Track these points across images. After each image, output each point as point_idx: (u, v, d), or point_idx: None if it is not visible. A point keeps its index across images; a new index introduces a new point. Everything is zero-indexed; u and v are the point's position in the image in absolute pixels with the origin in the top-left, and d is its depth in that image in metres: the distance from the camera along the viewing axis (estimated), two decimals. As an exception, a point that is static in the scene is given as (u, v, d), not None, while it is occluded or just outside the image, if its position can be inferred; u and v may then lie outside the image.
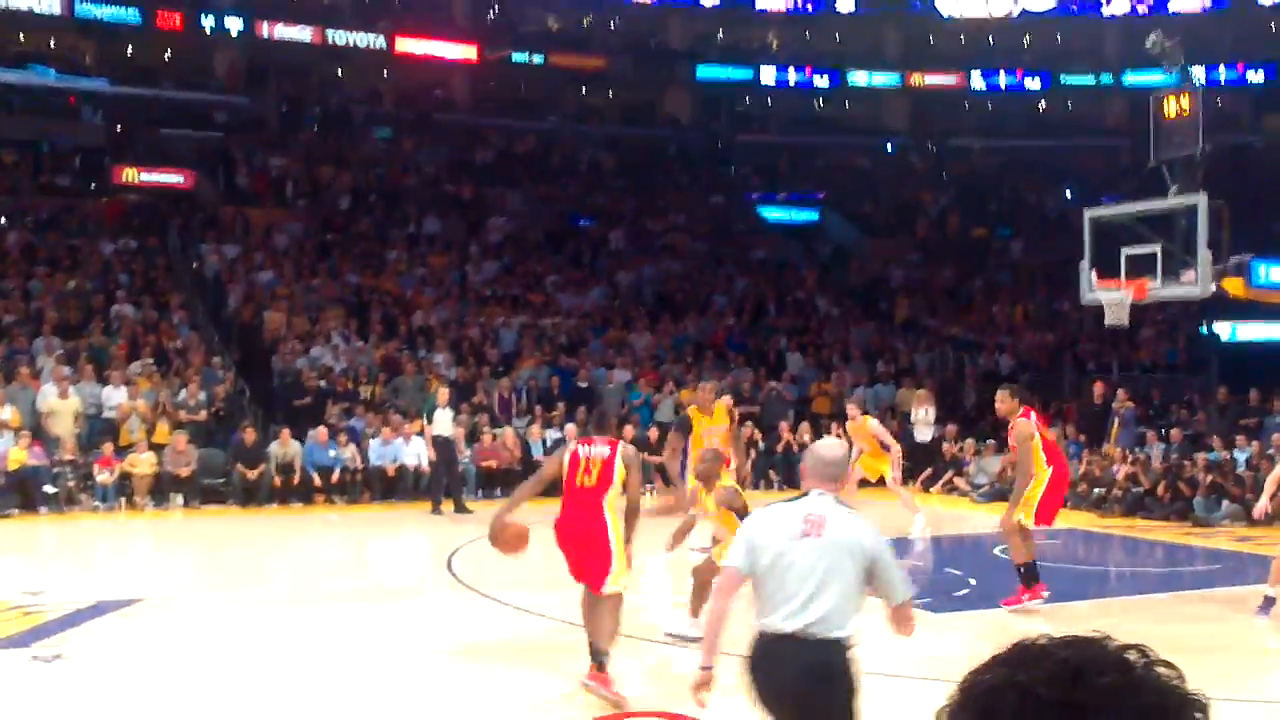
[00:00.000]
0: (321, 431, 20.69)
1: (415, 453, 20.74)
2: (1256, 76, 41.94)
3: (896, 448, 17.66)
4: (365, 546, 17.32)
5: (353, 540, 17.78)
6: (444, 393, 19.79)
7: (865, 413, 18.41)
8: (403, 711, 7.85)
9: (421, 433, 20.04)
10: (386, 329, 25.99)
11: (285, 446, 20.34)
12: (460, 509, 19.05)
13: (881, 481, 17.76)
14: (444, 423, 19.24)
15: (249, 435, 20.26)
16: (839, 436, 22.79)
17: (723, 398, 17.88)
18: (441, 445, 19.17)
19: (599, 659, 8.07)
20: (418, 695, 8.27)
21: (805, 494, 5.09)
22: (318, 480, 20.34)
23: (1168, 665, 1.37)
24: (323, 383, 22.93)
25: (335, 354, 24.19)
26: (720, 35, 46.50)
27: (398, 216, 32.95)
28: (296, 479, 20.23)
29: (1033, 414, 11.80)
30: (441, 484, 19.39)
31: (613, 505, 8.24)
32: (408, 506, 20.11)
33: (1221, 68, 39.92)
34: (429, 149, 38.44)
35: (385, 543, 17.80)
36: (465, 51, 41.57)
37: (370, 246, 30.73)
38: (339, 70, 42.21)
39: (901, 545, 15.35)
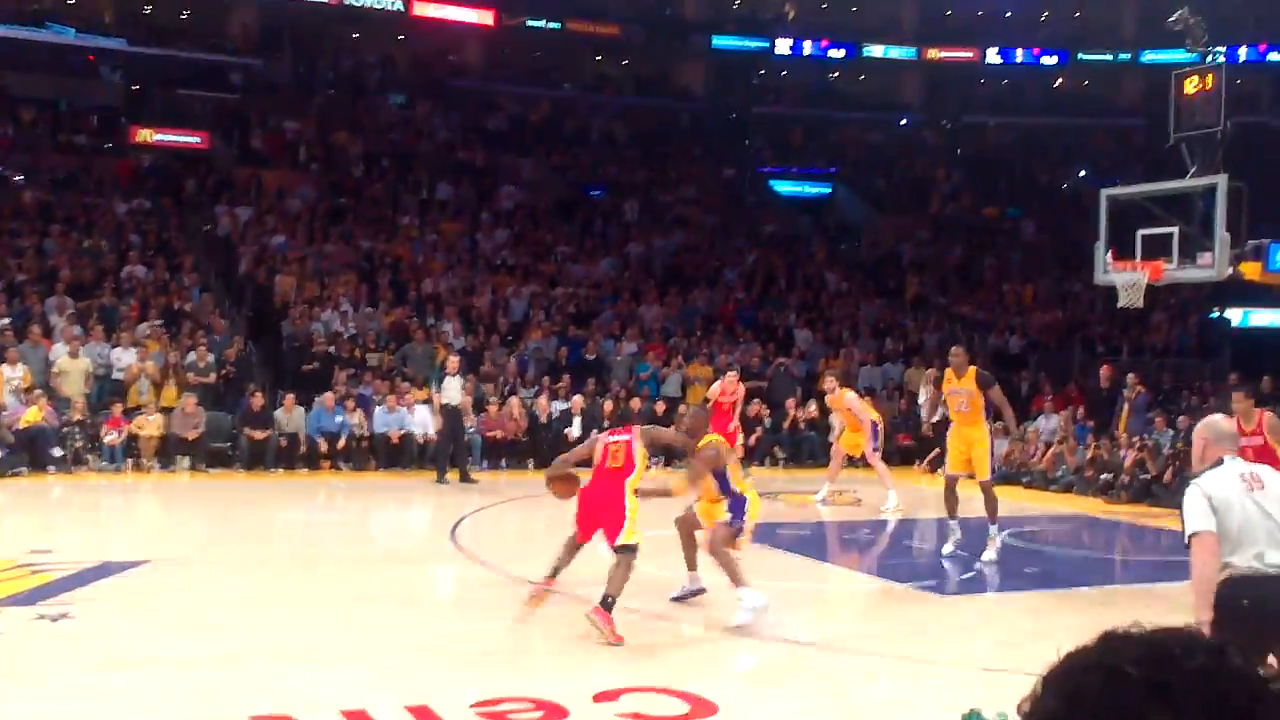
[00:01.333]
0: (328, 397, 20.66)
1: (421, 421, 20.72)
2: (1278, 56, 41.59)
3: (870, 419, 17.54)
4: (369, 514, 17.33)
5: (356, 507, 17.79)
6: (454, 361, 19.68)
7: (843, 386, 18.39)
8: (399, 675, 7.83)
9: (429, 401, 20.00)
10: (396, 295, 25.94)
11: (289, 413, 20.34)
12: (465, 479, 19.01)
13: (864, 458, 17.75)
14: (453, 391, 19.12)
15: (256, 400, 20.25)
16: (815, 413, 22.75)
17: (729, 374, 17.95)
18: (449, 414, 19.07)
19: (606, 601, 8.73)
20: (415, 660, 8.26)
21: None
22: (324, 446, 20.34)
23: (1260, 663, 1.35)
24: (331, 348, 22.90)
25: (344, 320, 24.16)
26: (736, 5, 46.23)
27: (410, 182, 32.86)
28: (303, 446, 20.23)
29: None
30: (447, 453, 19.30)
31: (632, 484, 9.11)
32: (413, 475, 20.09)
33: (1243, 47, 39.53)
34: (442, 115, 38.28)
35: (389, 510, 17.80)
36: (482, 16, 41.33)
37: (382, 212, 30.66)
38: (354, 34, 42.04)
39: (884, 525, 15.26)
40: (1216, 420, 6.11)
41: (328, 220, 29.51)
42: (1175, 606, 11.44)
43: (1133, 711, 1.29)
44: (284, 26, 39.56)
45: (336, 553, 13.11)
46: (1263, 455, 12.28)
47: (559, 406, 22.31)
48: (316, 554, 13.02)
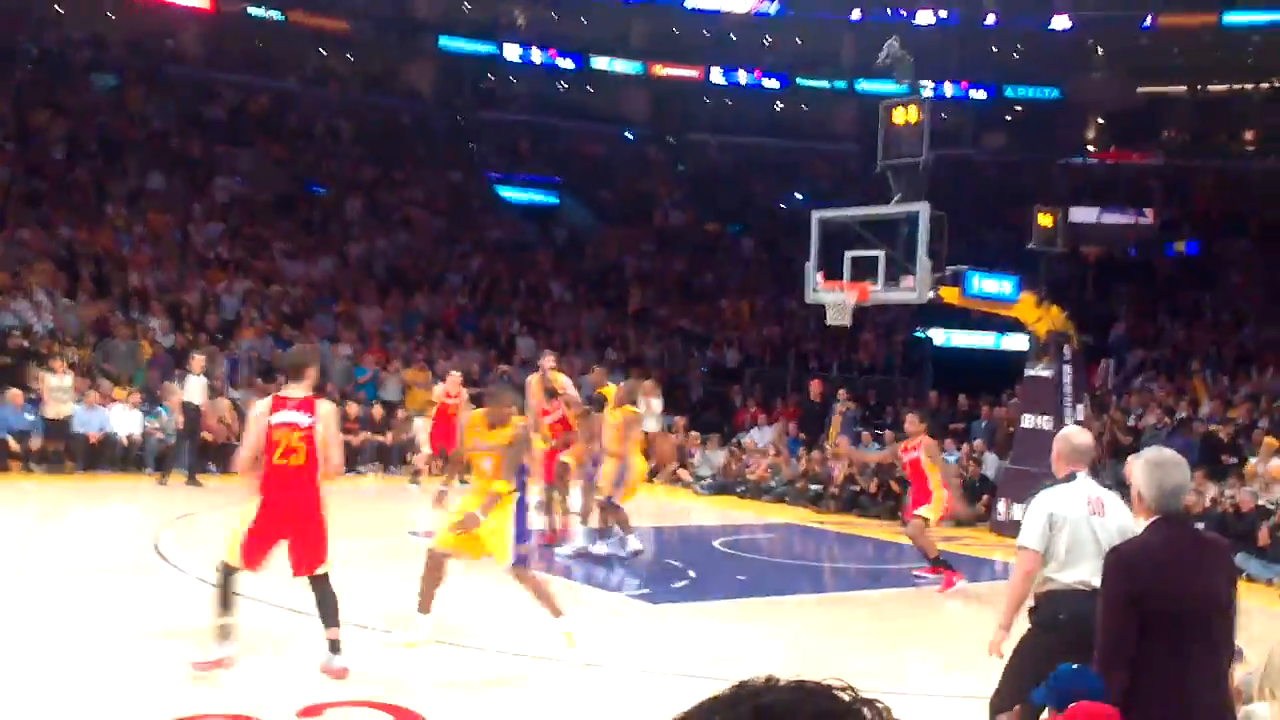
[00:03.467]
0: (16, 394, 19.38)
1: (123, 421, 19.75)
2: (979, 95, 44.34)
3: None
4: (68, 519, 16.29)
5: (53, 512, 16.68)
6: (198, 359, 19.52)
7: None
8: (94, 692, 7.38)
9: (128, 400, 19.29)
10: (99, 288, 24.54)
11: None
12: (192, 481, 18.69)
13: None
14: (195, 389, 19.05)
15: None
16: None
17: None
18: (190, 413, 18.96)
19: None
20: (112, 677, 7.81)
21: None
22: (14, 445, 19.07)
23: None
24: (25, 342, 21.47)
25: (40, 311, 22.68)
26: (466, 8, 45.94)
27: (118, 170, 31.13)
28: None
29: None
30: (183, 452, 19.04)
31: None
32: (114, 477, 19.10)
33: (948, 84, 41.95)
34: (157, 101, 36.47)
35: (89, 516, 16.78)
36: (199, 1, 39.68)
37: (85, 199, 28.93)
38: (58, 7, 39.61)
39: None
40: (1072, 434, 6.31)
41: (23, 205, 27.60)
42: (877, 614, 12.00)
43: None
44: (-22, -4, 36.87)
45: (28, 561, 12.27)
46: (915, 471, 13.59)
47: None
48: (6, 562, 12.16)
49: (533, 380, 15.63)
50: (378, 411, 22.39)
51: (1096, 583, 5.45)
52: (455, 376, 19.33)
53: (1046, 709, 4.50)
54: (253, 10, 40.64)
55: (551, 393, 14.68)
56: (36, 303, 22.89)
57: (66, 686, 7.65)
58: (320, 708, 7.34)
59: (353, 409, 22.01)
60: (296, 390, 8.05)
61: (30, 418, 19.33)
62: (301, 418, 7.89)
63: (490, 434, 9.09)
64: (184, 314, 24.65)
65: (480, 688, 8.20)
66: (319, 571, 8.02)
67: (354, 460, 21.46)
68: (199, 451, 19.56)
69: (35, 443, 19.19)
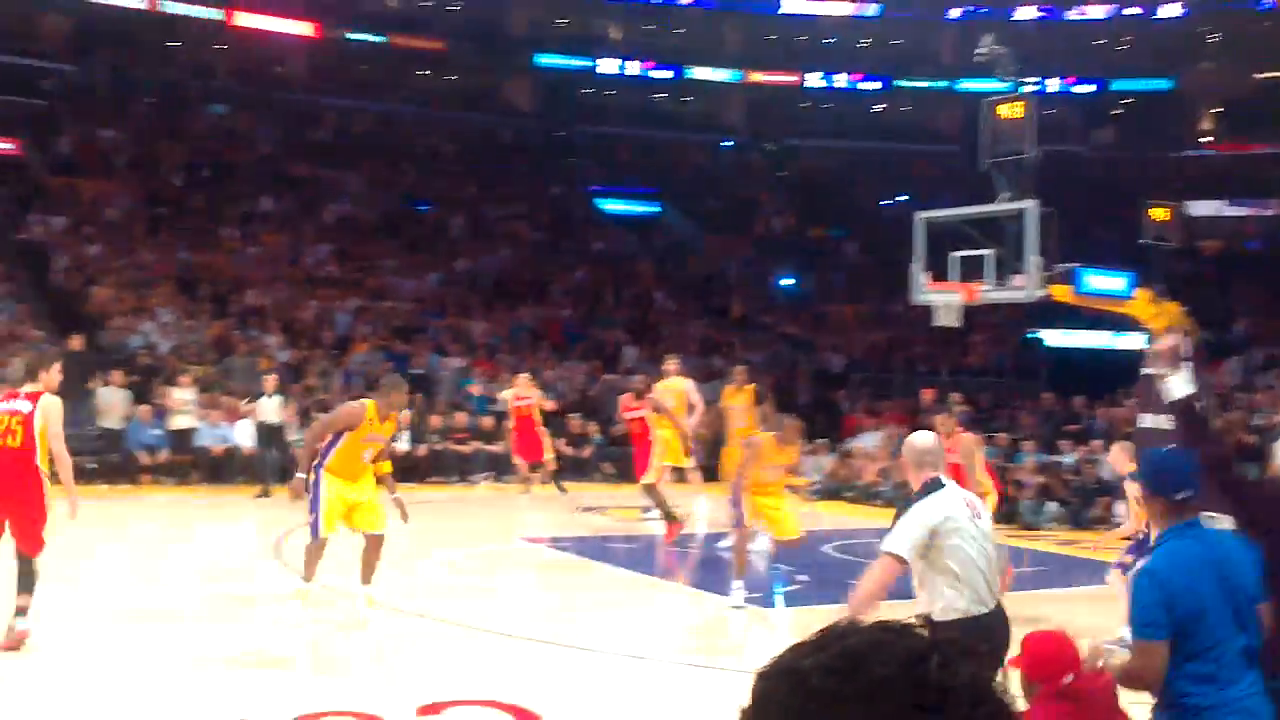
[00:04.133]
0: (145, 410, 20.01)
1: (246, 434, 20.30)
2: (1085, 89, 43.56)
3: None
4: (193, 529, 16.76)
5: (179, 521, 17.17)
6: (270, 380, 19.76)
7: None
8: (219, 689, 7.62)
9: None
10: (217, 308, 25.26)
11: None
12: (264, 494, 18.83)
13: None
14: (269, 410, 19.39)
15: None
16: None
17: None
18: (265, 431, 19.35)
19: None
20: (236, 675, 8.07)
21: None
22: (145, 459, 19.74)
23: (970, 659, 1.29)
24: (150, 361, 22.18)
25: (164, 331, 23.41)
26: (562, 23, 46.38)
27: (231, 193, 32.04)
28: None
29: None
30: (265, 467, 19.25)
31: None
32: (236, 489, 19.66)
33: (1052, 80, 41.24)
34: (265, 126, 37.45)
35: (213, 526, 17.25)
36: (303, 28, 40.62)
37: (202, 223, 29.84)
38: (173, 41, 40.85)
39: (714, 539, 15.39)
40: (914, 439, 5.87)
41: (146, 230, 28.57)
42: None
43: None
44: (99, 32, 38.21)
45: (157, 567, 12.68)
46: (955, 474, 13.05)
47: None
48: (140, 568, 12.58)
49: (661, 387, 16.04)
50: (487, 422, 22.65)
51: (986, 597, 5.29)
52: (523, 378, 19.49)
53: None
54: (354, 35, 41.46)
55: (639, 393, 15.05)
56: (160, 323, 23.64)
57: (195, 686, 7.90)
58: (439, 706, 7.49)
59: (462, 419, 22.35)
60: (29, 388, 8.82)
61: (158, 432, 19.95)
62: (23, 405, 8.70)
63: (780, 454, 11.37)
64: (299, 331, 25.23)
65: (596, 688, 8.28)
66: (33, 554, 8.69)
67: (466, 470, 21.79)
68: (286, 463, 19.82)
69: (163, 456, 19.78)
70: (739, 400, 17.16)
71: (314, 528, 9.81)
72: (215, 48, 41.15)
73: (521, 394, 19.17)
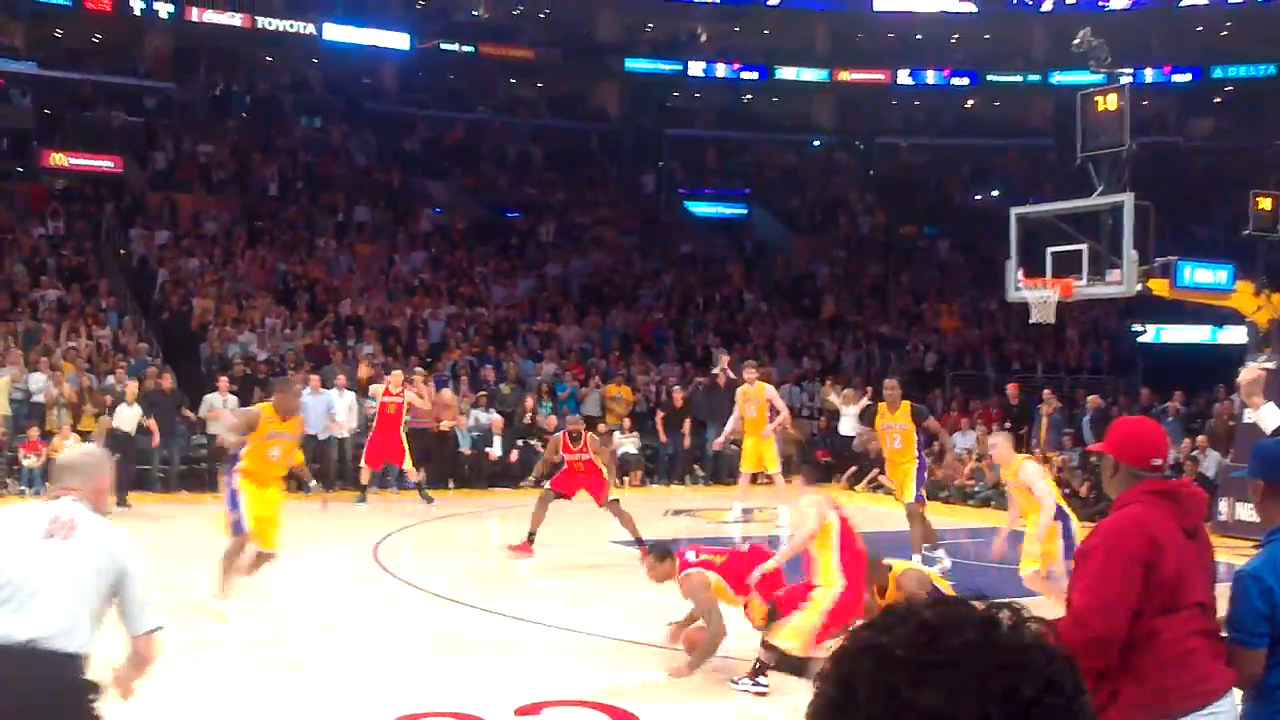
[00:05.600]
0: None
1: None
2: (1183, 78, 42.60)
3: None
4: (296, 532, 17.02)
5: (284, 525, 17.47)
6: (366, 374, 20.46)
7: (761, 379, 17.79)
8: (323, 691, 7.76)
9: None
10: (313, 317, 25.71)
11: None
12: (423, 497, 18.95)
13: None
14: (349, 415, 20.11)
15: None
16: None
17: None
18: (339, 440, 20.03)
19: None
20: (338, 676, 8.21)
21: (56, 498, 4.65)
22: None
23: (1040, 622, 1.35)
24: (248, 370, 22.62)
25: (262, 341, 23.89)
26: (649, 28, 46.50)
27: (326, 204, 32.63)
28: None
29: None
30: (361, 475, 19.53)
31: None
32: (337, 494, 19.99)
33: (1148, 69, 40.39)
34: (358, 137, 38.07)
35: (315, 528, 17.52)
36: (397, 40, 41.22)
37: (298, 234, 30.41)
38: (268, 57, 41.73)
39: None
40: (60, 457, 5.29)
41: (244, 243, 29.22)
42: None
43: (902, 694, 1.28)
44: (197, 50, 39.17)
45: (261, 572, 12.93)
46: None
47: (479, 414, 22.20)
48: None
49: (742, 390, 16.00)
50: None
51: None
52: (396, 376, 19.05)
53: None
54: (445, 45, 41.96)
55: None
56: (259, 332, 24.12)
57: (294, 689, 8.06)
58: (538, 706, 7.56)
59: (553, 423, 22.49)
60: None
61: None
62: None
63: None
64: (394, 339, 25.58)
65: (693, 691, 8.28)
66: None
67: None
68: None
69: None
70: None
71: (236, 525, 10.40)
72: (310, 62, 41.95)
73: (391, 391, 18.47)
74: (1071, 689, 1.31)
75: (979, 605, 1.37)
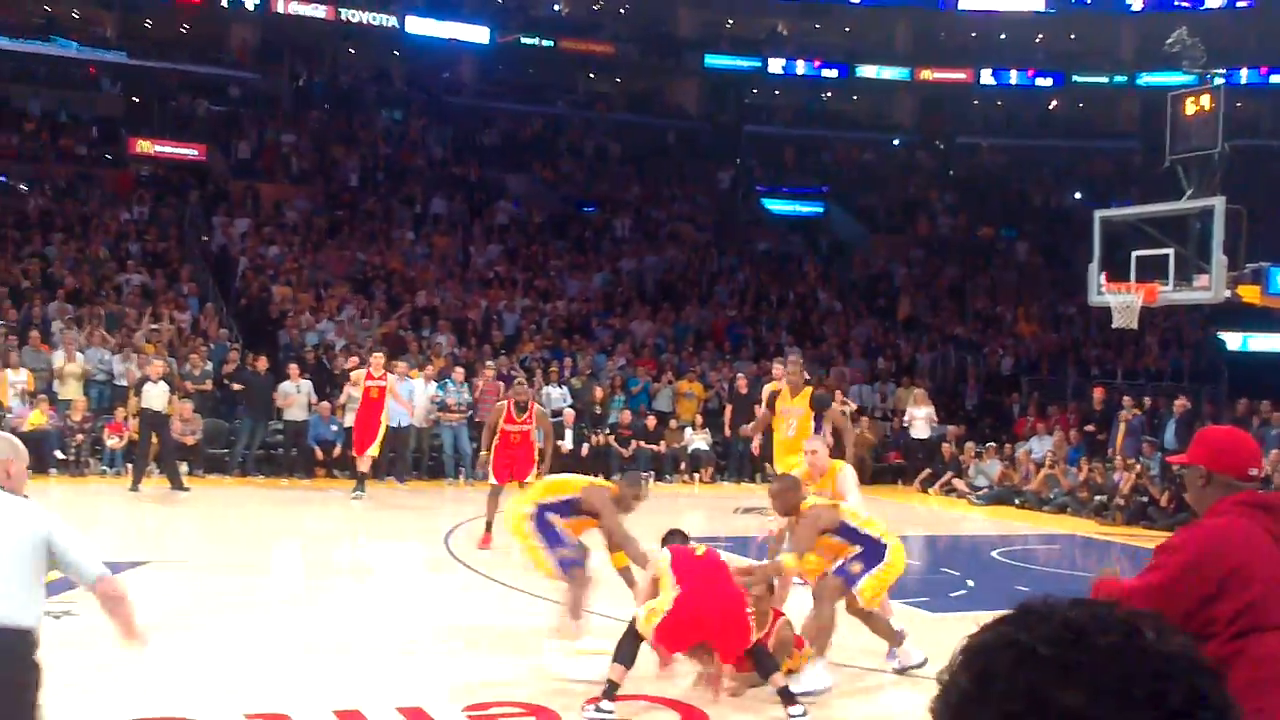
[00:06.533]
0: (324, 406, 20.61)
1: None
2: (1278, 79, 41.55)
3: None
4: (370, 521, 17.21)
5: (351, 513, 17.66)
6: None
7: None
8: (392, 677, 7.81)
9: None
10: (390, 307, 25.93)
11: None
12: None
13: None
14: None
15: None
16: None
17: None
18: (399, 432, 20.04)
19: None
20: (408, 663, 8.27)
21: None
22: (320, 455, 20.36)
23: (1180, 634, 1.32)
24: (325, 358, 22.87)
25: (340, 330, 24.14)
26: (729, 24, 46.38)
27: (404, 196, 32.92)
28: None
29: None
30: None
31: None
32: (410, 484, 20.19)
33: (1243, 70, 39.35)
34: (437, 130, 38.37)
35: (389, 518, 17.69)
36: (477, 33, 41.48)
37: (377, 225, 30.71)
38: (351, 49, 42.17)
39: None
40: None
41: (324, 232, 29.57)
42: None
43: (1043, 692, 1.26)
44: (282, 41, 39.71)
45: (329, 557, 13.06)
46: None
47: (553, 391, 22.37)
48: (310, 558, 12.98)
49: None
50: (651, 422, 22.80)
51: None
52: (378, 358, 18.49)
53: None
54: (525, 39, 42.15)
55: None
56: (337, 321, 24.37)
57: (374, 669, 8.11)
58: (596, 700, 7.57)
59: (626, 418, 22.53)
60: None
61: (335, 428, 20.54)
62: None
63: None
64: (468, 330, 25.73)
65: (756, 691, 8.20)
66: None
67: (626, 469, 21.91)
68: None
69: (336, 451, 20.34)
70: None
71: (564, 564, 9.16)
72: (391, 54, 42.34)
73: (373, 375, 18.01)
74: (1220, 703, 1.27)
75: (1122, 608, 1.34)
